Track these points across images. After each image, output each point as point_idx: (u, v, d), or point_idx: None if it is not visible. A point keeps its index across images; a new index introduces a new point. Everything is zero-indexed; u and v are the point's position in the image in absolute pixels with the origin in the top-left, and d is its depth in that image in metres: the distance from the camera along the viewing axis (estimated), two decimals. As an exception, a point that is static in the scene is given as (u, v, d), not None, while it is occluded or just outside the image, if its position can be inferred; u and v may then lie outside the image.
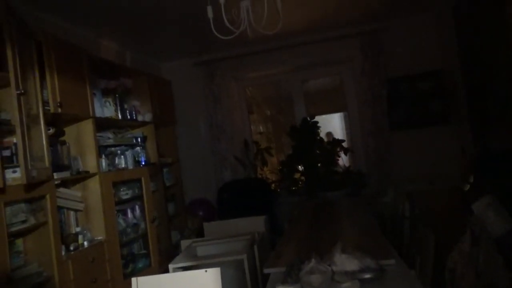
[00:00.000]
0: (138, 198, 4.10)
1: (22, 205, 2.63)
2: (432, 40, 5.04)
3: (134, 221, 4.03)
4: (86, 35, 4.09)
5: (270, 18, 2.58)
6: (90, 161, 3.42)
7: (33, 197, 2.66)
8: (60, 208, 3.07)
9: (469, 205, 3.09)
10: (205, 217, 5.05)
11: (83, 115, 3.37)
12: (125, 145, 4.10)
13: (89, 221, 3.40)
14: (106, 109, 3.81)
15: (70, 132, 3.39)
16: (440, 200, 4.15)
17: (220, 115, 5.49)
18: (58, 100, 2.99)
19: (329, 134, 6.22)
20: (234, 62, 5.44)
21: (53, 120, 3.10)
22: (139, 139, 4.30)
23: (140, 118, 4.35)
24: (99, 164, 3.46)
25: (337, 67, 5.55)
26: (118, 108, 4.00)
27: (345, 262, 1.99)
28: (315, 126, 5.18)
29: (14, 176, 2.48)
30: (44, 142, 2.74)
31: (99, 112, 3.65)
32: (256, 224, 3.79)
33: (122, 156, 3.91)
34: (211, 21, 2.58)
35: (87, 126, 3.43)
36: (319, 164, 5.21)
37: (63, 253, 2.88)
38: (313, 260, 1.97)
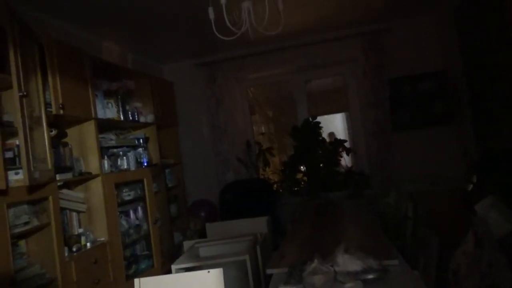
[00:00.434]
0: (140, 199, 4.11)
1: (25, 206, 2.64)
2: (433, 40, 5.03)
3: (137, 222, 4.04)
4: (88, 37, 4.10)
5: (272, 18, 2.58)
6: (92, 163, 3.43)
7: (35, 198, 2.67)
8: (62, 209, 3.08)
9: (472, 206, 3.08)
10: (207, 218, 5.05)
11: (85, 117, 3.38)
12: (127, 146, 4.10)
13: (91, 222, 3.40)
14: (108, 111, 3.82)
15: (72, 133, 3.39)
16: (442, 201, 4.15)
17: (222, 116, 5.49)
18: (60, 101, 2.99)
19: (331, 134, 6.22)
20: (235, 63, 5.44)
21: (55, 122, 3.10)
22: (141, 140, 4.30)
23: (142, 119, 4.36)
24: (101, 166, 3.46)
25: (339, 67, 5.55)
26: (120, 109, 4.01)
27: (347, 262, 1.99)
28: (317, 127, 5.17)
29: (17, 177, 2.48)
30: (47, 144, 2.74)
31: (101, 114, 3.65)
32: (259, 224, 3.78)
33: (124, 157, 3.92)
34: (213, 22, 2.58)
35: (89, 128, 3.43)
36: (321, 165, 5.20)
37: (66, 254, 2.89)
38: (315, 260, 1.97)
